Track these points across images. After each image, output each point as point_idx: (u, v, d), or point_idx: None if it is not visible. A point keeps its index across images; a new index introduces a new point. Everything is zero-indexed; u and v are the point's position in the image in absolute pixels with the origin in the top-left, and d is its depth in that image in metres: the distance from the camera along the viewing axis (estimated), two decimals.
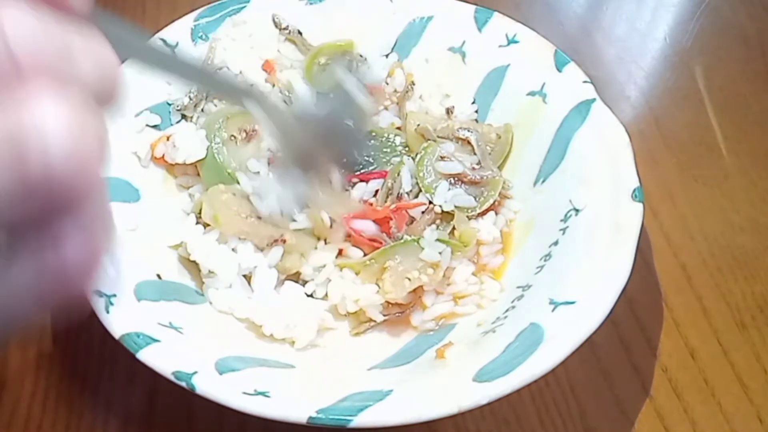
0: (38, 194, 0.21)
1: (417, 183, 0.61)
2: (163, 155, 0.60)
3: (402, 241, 0.56)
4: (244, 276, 0.56)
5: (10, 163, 0.20)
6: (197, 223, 0.57)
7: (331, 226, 0.57)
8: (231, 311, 0.55)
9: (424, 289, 0.56)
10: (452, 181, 0.61)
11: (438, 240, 0.56)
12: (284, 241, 0.56)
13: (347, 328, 0.57)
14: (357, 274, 0.56)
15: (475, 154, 0.63)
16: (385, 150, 0.63)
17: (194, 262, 0.56)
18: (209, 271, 0.55)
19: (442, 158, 0.61)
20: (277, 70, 0.64)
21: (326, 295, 0.56)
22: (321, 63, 0.65)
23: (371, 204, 0.59)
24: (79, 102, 0.21)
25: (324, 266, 0.57)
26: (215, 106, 0.62)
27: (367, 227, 0.57)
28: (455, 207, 0.59)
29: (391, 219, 0.57)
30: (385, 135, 0.64)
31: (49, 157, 0.20)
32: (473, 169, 0.62)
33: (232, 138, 0.59)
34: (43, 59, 0.21)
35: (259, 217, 0.56)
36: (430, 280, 0.55)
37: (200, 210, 0.57)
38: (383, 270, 0.55)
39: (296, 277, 0.57)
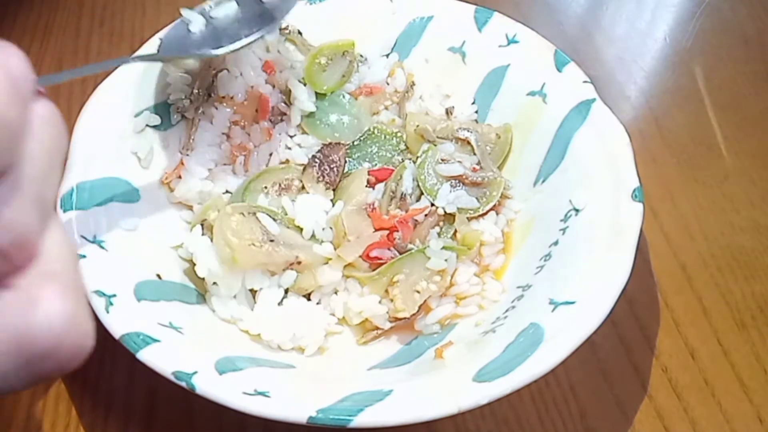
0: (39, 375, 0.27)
1: (419, 185, 0.61)
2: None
3: (408, 252, 0.56)
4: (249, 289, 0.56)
5: (19, 359, 0.26)
6: (203, 234, 0.56)
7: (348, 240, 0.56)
8: (234, 321, 0.54)
9: (431, 297, 0.56)
10: (453, 183, 0.61)
11: (444, 248, 0.56)
12: (299, 263, 0.55)
13: (349, 332, 0.56)
14: (363, 285, 0.56)
15: (475, 154, 0.63)
16: (386, 148, 0.63)
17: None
18: (214, 282, 0.55)
19: (443, 161, 0.61)
20: (277, 70, 0.64)
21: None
22: (321, 63, 0.65)
23: (375, 209, 0.58)
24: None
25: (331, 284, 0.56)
26: (215, 108, 0.62)
27: (384, 255, 0.56)
28: (457, 209, 0.59)
29: (397, 230, 0.57)
30: (385, 134, 0.64)
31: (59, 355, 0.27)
32: (474, 170, 0.62)
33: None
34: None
35: (272, 240, 0.54)
36: (438, 288, 0.55)
37: (203, 220, 0.56)
38: (392, 284, 0.55)
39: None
